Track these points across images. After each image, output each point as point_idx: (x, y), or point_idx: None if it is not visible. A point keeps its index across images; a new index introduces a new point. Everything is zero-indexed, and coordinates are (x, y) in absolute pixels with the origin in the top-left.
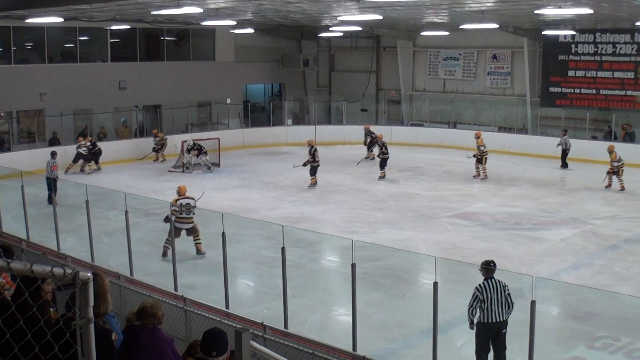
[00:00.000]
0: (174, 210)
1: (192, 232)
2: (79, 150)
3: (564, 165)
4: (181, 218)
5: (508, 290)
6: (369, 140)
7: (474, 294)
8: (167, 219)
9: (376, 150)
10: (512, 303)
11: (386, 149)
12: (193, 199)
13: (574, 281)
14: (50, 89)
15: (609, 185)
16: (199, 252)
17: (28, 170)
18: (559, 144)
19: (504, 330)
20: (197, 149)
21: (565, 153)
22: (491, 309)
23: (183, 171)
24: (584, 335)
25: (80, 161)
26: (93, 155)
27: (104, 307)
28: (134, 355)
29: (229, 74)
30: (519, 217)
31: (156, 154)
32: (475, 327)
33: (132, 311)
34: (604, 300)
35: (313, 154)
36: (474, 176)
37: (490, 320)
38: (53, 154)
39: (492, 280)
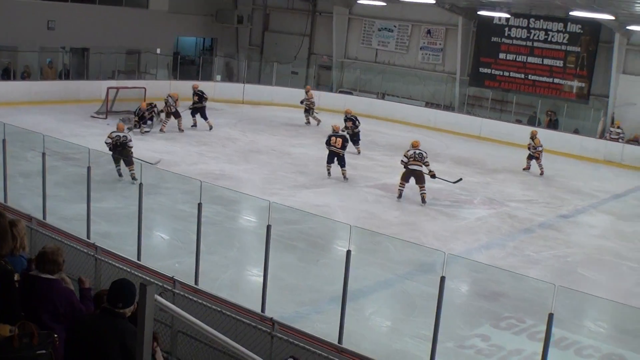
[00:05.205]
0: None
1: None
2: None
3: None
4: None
5: None
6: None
7: None
8: None
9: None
10: None
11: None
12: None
13: (485, 260)
14: None
15: (527, 168)
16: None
17: None
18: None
19: None
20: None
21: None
22: None
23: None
24: (490, 314)
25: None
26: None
27: (6, 247)
28: (30, 304)
29: (161, 23)
30: (437, 193)
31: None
32: None
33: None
34: (513, 282)
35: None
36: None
37: None
38: None
39: None
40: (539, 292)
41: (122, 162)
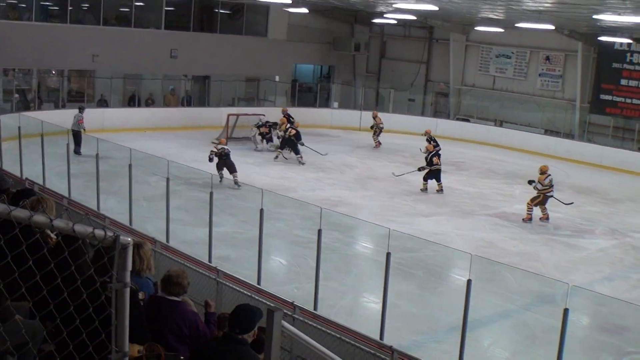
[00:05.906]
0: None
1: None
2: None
3: None
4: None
5: None
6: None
7: None
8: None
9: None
10: None
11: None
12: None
13: (608, 293)
14: (102, 51)
15: None
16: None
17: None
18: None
19: None
20: (268, 126)
21: None
22: None
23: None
24: (612, 349)
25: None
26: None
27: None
28: (155, 326)
29: (280, 51)
30: (557, 223)
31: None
32: None
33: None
34: (637, 316)
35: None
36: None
37: None
38: (81, 109)
39: None
40: None
41: (224, 170)
